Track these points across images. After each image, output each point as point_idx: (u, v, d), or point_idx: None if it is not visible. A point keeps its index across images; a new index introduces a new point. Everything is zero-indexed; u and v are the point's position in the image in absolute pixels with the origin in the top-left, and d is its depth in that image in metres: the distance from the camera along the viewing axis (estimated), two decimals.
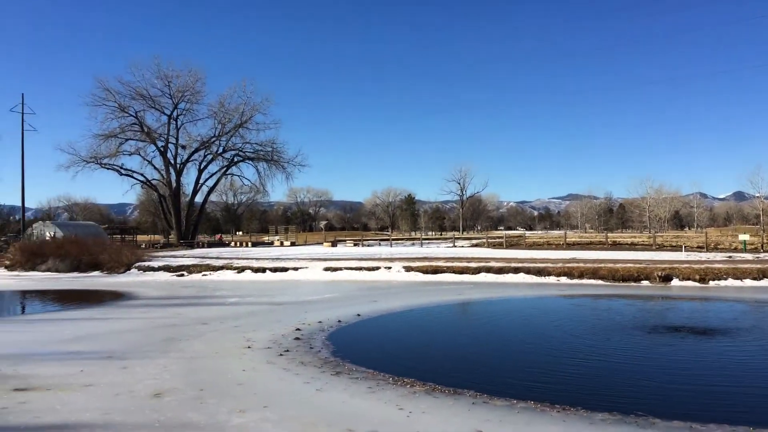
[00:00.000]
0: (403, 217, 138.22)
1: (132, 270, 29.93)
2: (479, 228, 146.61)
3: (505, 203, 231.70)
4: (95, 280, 27.10)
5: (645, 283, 20.62)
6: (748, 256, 29.20)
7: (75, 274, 30.44)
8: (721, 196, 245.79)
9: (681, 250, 35.10)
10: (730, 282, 19.91)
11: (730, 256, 29.34)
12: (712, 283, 19.93)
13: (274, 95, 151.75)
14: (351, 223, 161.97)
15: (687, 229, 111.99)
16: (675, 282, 20.43)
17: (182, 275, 27.48)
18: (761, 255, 30.74)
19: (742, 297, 17.26)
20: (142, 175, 65.93)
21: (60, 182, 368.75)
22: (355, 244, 59.57)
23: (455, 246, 53.00)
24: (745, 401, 7.24)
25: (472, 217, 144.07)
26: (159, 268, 29.33)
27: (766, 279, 19.85)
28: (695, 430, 5.95)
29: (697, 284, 20.01)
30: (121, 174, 64.49)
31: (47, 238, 46.31)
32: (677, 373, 8.64)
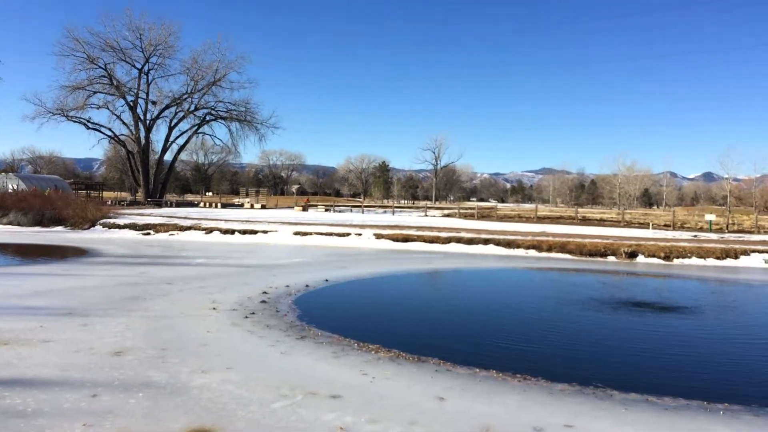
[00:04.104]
0: (375, 185, 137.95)
1: (97, 227, 29.37)
2: (452, 198, 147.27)
3: (479, 174, 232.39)
4: (58, 236, 26.52)
5: (611, 258, 20.95)
6: (713, 236, 29.87)
7: (37, 228, 29.76)
8: (691, 176, 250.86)
9: (648, 228, 35.73)
10: (694, 260, 20.34)
11: (695, 236, 29.97)
12: (676, 261, 20.34)
13: (250, 54, 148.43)
14: (323, 188, 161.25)
15: (655, 207, 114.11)
16: (640, 258, 20.80)
17: (148, 234, 27.05)
18: (726, 235, 31.46)
19: (704, 276, 17.66)
20: (110, 129, 64.33)
21: (25, 134, 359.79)
22: (326, 210, 59.31)
23: (427, 215, 53.15)
24: (701, 376, 7.41)
25: (445, 187, 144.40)
26: (125, 226, 28.82)
27: (728, 259, 20.33)
28: (651, 402, 6.07)
29: (661, 261, 20.40)
30: (89, 128, 62.86)
31: (9, 191, 45.07)
32: (636, 348, 8.81)
